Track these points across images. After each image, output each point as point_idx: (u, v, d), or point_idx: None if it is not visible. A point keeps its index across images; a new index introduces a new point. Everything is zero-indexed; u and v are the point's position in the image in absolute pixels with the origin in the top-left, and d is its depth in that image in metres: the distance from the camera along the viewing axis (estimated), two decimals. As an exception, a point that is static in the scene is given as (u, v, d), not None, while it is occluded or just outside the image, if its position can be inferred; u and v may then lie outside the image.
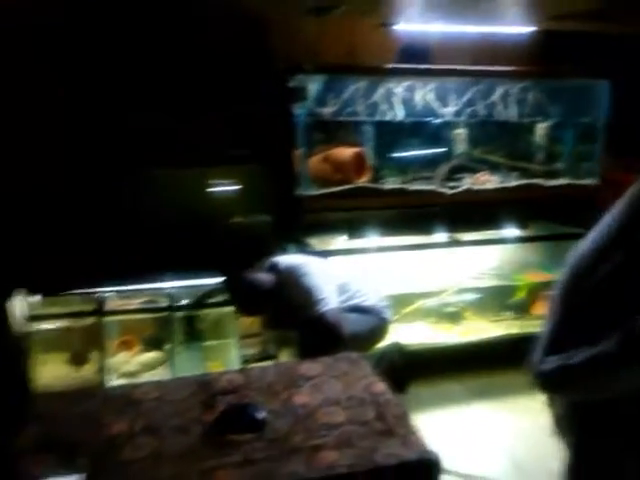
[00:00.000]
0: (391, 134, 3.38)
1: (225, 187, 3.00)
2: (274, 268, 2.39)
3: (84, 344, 2.81)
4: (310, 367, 1.97)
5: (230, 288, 2.37)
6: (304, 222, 3.11)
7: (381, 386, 1.79)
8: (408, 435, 1.52)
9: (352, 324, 2.32)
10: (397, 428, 1.55)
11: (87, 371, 2.77)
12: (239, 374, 1.95)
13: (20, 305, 2.54)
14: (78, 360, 2.79)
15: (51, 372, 2.72)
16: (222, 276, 2.65)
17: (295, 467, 1.42)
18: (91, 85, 2.84)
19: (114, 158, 2.80)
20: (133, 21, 2.81)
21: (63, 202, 2.75)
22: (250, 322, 3.15)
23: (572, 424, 1.24)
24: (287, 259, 2.48)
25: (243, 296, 2.32)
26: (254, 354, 3.05)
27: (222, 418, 1.60)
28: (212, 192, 2.99)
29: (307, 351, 2.23)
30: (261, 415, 1.61)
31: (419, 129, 3.43)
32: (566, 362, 1.07)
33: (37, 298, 2.59)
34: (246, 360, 2.99)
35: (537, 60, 3.52)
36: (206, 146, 2.95)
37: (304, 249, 2.89)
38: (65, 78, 2.82)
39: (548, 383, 1.15)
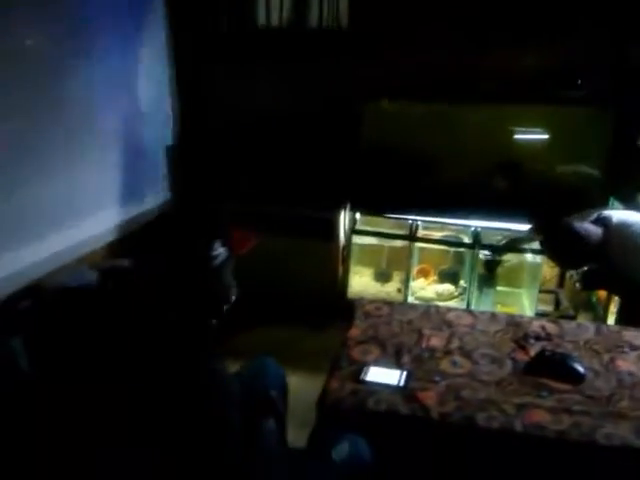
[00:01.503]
0: None
1: (550, 130, 2.77)
2: (603, 221, 2.15)
3: (390, 263, 3.08)
4: (636, 336, 1.78)
5: (550, 237, 2.24)
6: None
7: None
8: None
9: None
10: None
11: (389, 288, 3.05)
12: (552, 323, 1.88)
13: (346, 218, 2.90)
14: (383, 277, 3.09)
15: (360, 282, 3.09)
16: (535, 224, 2.54)
17: (621, 432, 1.32)
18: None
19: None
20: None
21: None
22: (548, 277, 2.98)
23: None
24: (621, 214, 2.20)
25: (564, 246, 2.16)
26: (552, 311, 2.89)
27: (538, 360, 1.58)
28: (538, 135, 2.80)
29: (633, 319, 2.00)
30: (581, 369, 1.53)
31: None
32: None
33: (359, 215, 2.91)
34: (540, 314, 2.85)
35: None
36: (542, 83, 2.75)
37: (636, 206, 2.52)
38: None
39: None
